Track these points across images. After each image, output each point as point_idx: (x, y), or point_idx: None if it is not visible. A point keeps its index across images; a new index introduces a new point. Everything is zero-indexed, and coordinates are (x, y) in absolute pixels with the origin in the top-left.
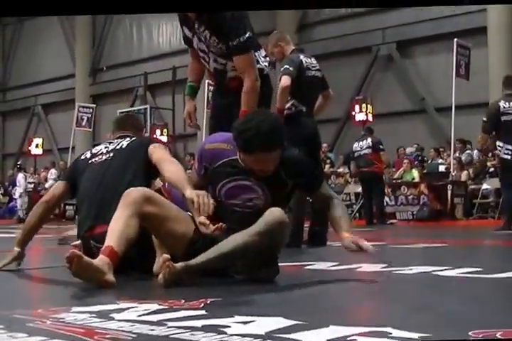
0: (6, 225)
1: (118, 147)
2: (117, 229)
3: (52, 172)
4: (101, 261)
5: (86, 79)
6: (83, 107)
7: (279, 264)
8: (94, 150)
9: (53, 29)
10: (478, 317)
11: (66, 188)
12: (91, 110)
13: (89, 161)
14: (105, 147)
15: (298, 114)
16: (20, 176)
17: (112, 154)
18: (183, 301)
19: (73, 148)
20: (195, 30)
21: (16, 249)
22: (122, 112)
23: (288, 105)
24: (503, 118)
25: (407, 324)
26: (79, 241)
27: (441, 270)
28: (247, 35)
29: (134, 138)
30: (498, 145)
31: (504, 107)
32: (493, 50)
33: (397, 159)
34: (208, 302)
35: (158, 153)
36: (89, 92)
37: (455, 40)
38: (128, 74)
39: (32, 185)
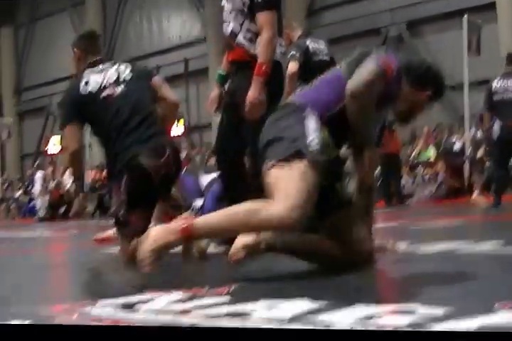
0: (28, 225)
1: (123, 78)
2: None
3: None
4: None
5: None
6: None
7: None
8: (93, 83)
9: (64, 28)
10: (503, 289)
11: (80, 128)
12: None
13: (102, 95)
14: (103, 78)
15: None
16: (38, 176)
17: (123, 86)
18: (206, 288)
19: (90, 145)
20: None
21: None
22: None
23: (298, 91)
24: (495, 97)
25: (433, 299)
26: (104, 235)
27: (463, 246)
28: None
29: (131, 67)
30: (493, 122)
31: (495, 87)
32: (503, 26)
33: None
34: (233, 288)
35: (162, 88)
36: None
37: (465, 16)
38: None
39: (53, 184)
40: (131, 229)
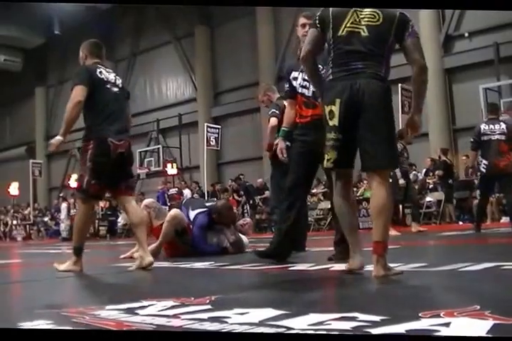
0: (54, 243)
1: (118, 83)
2: None
3: None
4: None
5: None
6: None
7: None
8: (104, 75)
9: None
10: (425, 300)
11: (85, 89)
12: None
13: (106, 85)
14: (109, 75)
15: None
16: (63, 205)
17: (117, 89)
18: (192, 298)
19: None
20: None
21: (59, 138)
22: (141, 152)
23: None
24: (483, 138)
25: (371, 309)
26: (127, 254)
27: (396, 266)
28: None
29: (119, 79)
30: (479, 160)
31: (484, 129)
32: (429, 91)
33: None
34: (213, 298)
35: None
36: None
37: (399, 85)
38: (144, 121)
39: (74, 211)
40: (90, 194)
